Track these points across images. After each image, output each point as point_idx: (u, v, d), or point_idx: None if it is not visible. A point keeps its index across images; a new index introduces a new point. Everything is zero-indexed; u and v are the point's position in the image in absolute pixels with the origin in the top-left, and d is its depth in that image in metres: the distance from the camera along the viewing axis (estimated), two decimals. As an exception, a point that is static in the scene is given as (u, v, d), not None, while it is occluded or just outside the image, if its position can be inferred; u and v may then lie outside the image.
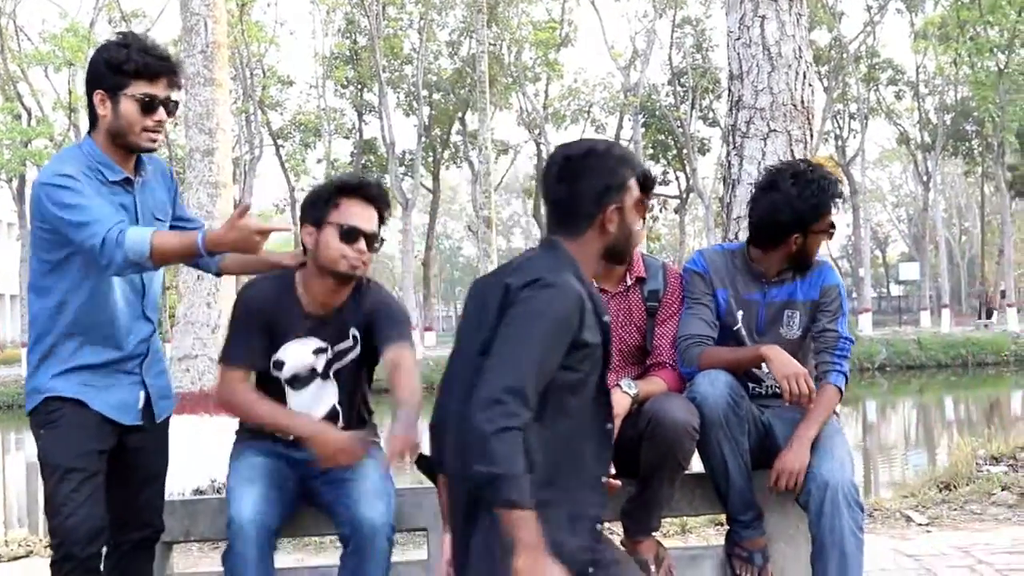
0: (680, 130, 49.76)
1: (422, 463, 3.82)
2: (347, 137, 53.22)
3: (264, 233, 3.93)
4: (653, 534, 4.73)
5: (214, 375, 10.62)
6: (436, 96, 50.38)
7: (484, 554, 3.23)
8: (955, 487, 9.35)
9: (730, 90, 6.86)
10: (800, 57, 6.65)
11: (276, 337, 4.42)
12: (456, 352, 3.57)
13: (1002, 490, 8.96)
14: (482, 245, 18.53)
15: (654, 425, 4.34)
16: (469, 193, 64.44)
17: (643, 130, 50.01)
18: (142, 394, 4.30)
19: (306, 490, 4.57)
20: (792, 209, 4.63)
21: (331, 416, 4.53)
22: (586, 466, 3.30)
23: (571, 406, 3.23)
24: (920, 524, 8.24)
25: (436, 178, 53.77)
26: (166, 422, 4.49)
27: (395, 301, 4.62)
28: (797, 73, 6.62)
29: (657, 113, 51.34)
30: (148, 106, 4.09)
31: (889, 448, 22.65)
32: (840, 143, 55.16)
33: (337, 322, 4.46)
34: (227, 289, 11.37)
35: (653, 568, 4.66)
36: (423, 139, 48.01)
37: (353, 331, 4.48)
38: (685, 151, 50.41)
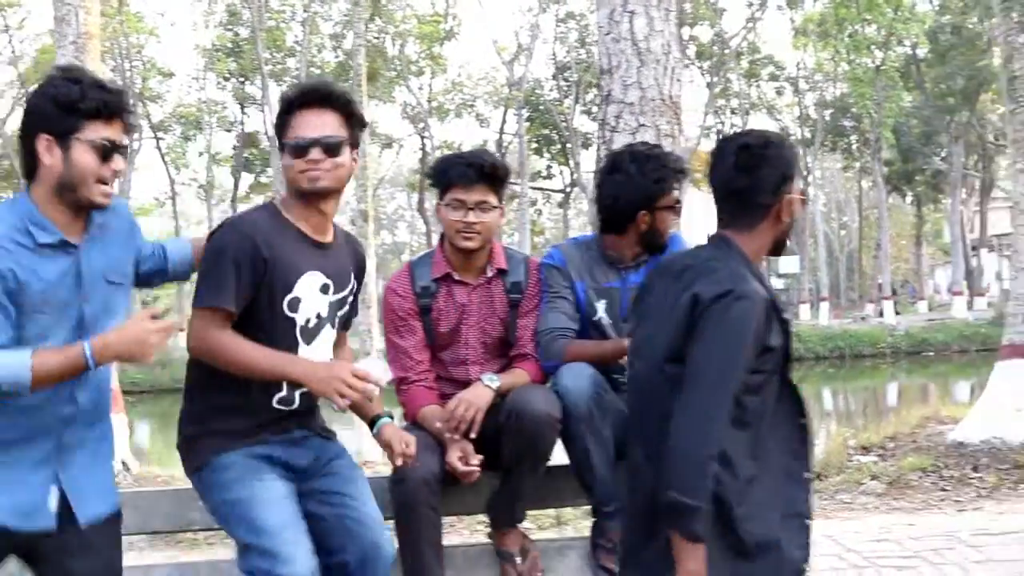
0: (564, 124, 49.92)
1: None
2: (229, 130, 52.62)
3: (163, 333, 3.39)
4: (518, 526, 4.75)
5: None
6: (319, 89, 49.92)
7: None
8: (826, 476, 9.52)
9: (600, 85, 6.89)
10: (668, 52, 6.69)
11: (280, 274, 3.83)
12: (636, 346, 3.52)
13: (871, 479, 9.13)
14: (360, 239, 18.40)
15: (516, 417, 4.35)
16: (353, 188, 63.97)
17: (527, 124, 50.06)
18: (54, 490, 3.46)
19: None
20: (635, 187, 4.69)
21: None
22: (787, 463, 3.28)
23: (754, 405, 3.20)
24: (791, 513, 8.35)
25: (320, 172, 53.33)
26: (108, 527, 3.65)
27: None
28: (666, 68, 6.66)
29: (541, 107, 51.43)
30: (107, 152, 3.41)
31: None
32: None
33: (338, 258, 4.05)
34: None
35: (519, 560, 4.68)
36: (307, 132, 47.47)
37: (353, 278, 4.15)
38: (569, 145, 50.60)
